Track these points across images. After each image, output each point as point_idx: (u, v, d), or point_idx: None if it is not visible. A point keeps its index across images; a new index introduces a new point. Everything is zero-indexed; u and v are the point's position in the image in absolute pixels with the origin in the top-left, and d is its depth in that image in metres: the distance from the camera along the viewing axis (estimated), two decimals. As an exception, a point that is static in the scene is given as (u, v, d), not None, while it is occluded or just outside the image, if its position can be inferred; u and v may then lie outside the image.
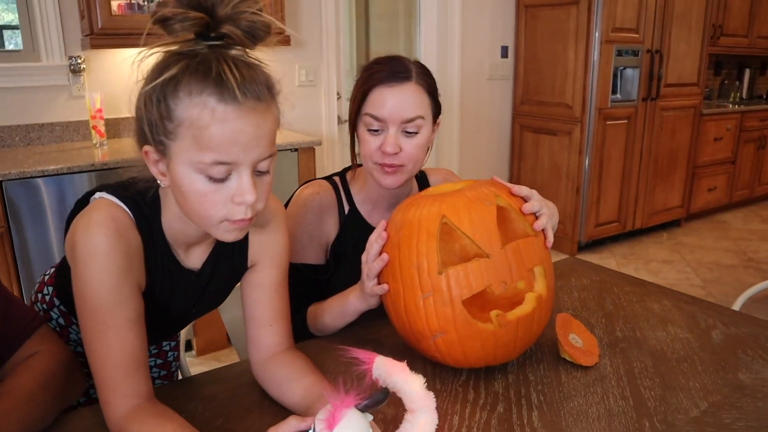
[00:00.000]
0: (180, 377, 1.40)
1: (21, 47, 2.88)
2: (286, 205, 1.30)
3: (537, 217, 1.08)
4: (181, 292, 1.01)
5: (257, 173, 0.84)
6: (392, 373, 0.81)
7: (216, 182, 0.81)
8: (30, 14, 2.78)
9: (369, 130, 1.23)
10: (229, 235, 0.87)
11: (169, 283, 0.98)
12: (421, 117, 1.21)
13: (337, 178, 1.36)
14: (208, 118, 0.78)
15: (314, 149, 2.92)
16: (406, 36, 4.54)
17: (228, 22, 0.80)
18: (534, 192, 1.09)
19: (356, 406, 0.74)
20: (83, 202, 0.96)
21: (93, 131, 2.75)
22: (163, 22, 0.79)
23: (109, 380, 0.86)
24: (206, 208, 0.83)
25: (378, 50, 4.65)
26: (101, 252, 0.84)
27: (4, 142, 2.76)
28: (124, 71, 2.87)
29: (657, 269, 4.03)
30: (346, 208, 1.34)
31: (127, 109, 2.82)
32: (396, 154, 1.21)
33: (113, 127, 2.95)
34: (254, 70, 0.81)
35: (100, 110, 2.74)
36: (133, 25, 2.67)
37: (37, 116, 2.82)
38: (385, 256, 1.06)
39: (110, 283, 0.85)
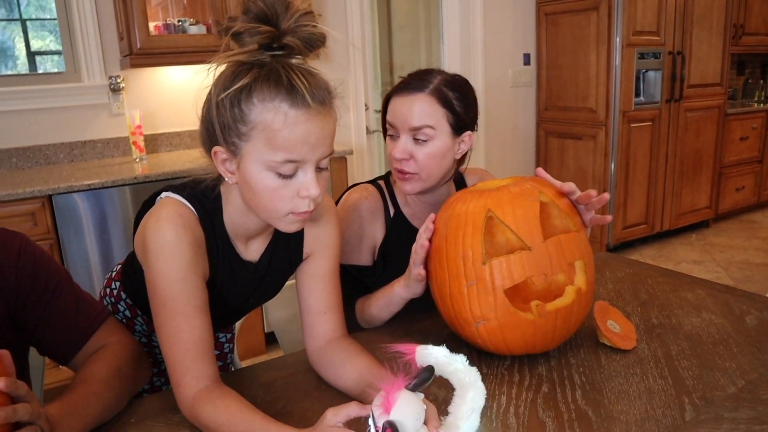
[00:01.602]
0: (233, 370, 1.46)
1: (56, 70, 3.02)
2: None
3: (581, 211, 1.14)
4: (240, 282, 1.08)
5: (318, 170, 0.92)
6: (435, 357, 0.86)
7: (284, 178, 0.90)
8: (72, 38, 2.91)
9: (389, 136, 1.32)
10: (292, 227, 0.95)
11: (229, 274, 1.05)
12: (430, 126, 1.26)
13: (382, 182, 1.42)
14: (281, 122, 0.86)
15: (346, 158, 3.00)
16: (428, 46, 4.61)
17: (290, 34, 0.88)
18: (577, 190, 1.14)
19: (406, 387, 0.79)
20: (150, 202, 1.04)
21: (133, 147, 2.86)
22: (236, 35, 0.87)
23: (179, 363, 0.93)
24: (275, 202, 0.91)
25: (401, 61, 4.72)
26: (170, 245, 0.92)
27: (49, 159, 2.89)
28: (162, 89, 3.00)
29: (687, 270, 4.02)
30: (392, 211, 1.39)
31: (164, 125, 2.93)
32: (407, 160, 1.28)
33: (151, 143, 3.07)
34: (316, 77, 0.90)
35: (139, 126, 2.85)
36: (169, 44, 2.78)
37: (79, 134, 2.95)
38: (425, 242, 1.12)
39: (179, 273, 0.93)
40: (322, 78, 0.91)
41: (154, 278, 0.93)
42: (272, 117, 0.86)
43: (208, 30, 2.90)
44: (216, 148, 0.93)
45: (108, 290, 1.25)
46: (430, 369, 0.82)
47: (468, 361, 0.87)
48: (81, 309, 1.04)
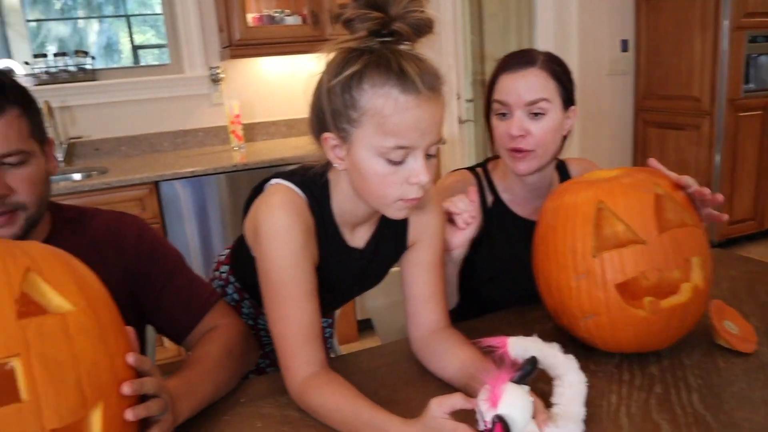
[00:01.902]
0: (333, 356, 1.49)
1: (157, 63, 3.17)
2: None
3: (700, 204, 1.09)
4: (346, 269, 1.09)
5: (427, 156, 0.91)
6: (528, 348, 0.84)
7: (394, 164, 0.90)
8: (175, 31, 3.04)
9: (498, 116, 1.28)
10: (400, 213, 0.95)
11: (336, 260, 1.07)
12: (545, 99, 1.24)
13: (479, 169, 1.41)
14: (391, 108, 0.86)
15: (439, 148, 2.98)
16: (520, 34, 4.50)
17: (399, 20, 0.88)
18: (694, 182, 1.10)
19: (511, 380, 0.78)
20: (258, 189, 1.06)
21: (232, 135, 2.97)
22: (347, 22, 0.88)
23: (289, 348, 0.95)
24: (384, 188, 0.91)
25: (492, 50, 4.64)
26: (283, 230, 0.94)
27: (155, 147, 3.04)
28: (259, 79, 3.09)
29: (799, 270, 3.74)
30: (489, 199, 1.37)
31: (261, 115, 3.01)
32: (523, 137, 1.24)
33: (249, 132, 3.17)
34: (425, 63, 0.89)
35: (238, 116, 2.95)
36: (266, 35, 2.85)
37: (182, 123, 3.09)
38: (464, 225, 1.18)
39: (291, 258, 0.95)
40: (431, 64, 0.91)
41: (266, 263, 0.96)
42: (383, 103, 0.86)
43: (304, 20, 2.95)
44: (326, 135, 0.94)
45: (217, 273, 1.30)
46: (533, 360, 0.81)
47: (563, 350, 0.84)
48: (194, 291, 1.09)
